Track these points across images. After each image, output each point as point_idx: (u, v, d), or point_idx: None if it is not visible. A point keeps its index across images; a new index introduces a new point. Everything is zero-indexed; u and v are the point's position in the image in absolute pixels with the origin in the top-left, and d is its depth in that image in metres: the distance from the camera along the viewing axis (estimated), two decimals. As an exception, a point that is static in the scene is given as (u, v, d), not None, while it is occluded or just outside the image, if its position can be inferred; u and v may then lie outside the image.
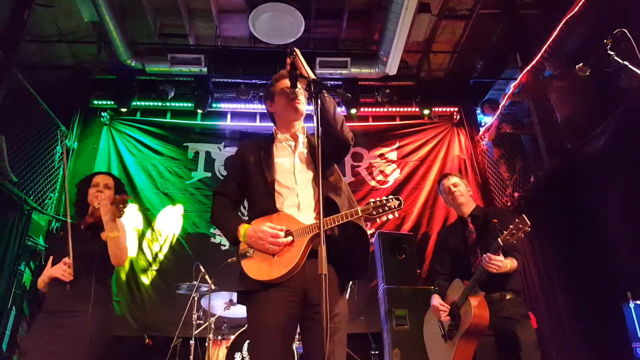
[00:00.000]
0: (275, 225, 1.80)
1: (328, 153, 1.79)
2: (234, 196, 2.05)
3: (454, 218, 3.12)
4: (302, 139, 2.06)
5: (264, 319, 1.73)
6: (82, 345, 2.28)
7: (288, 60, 1.88)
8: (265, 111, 2.24)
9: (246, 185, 2.01)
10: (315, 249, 1.73)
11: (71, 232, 2.47)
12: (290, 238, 1.78)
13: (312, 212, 1.87)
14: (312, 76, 1.84)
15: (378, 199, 1.79)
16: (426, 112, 6.18)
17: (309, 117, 2.05)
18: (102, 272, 2.53)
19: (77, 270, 2.42)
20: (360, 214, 1.75)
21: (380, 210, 1.76)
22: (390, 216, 1.77)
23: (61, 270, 2.41)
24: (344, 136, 1.93)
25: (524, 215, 2.39)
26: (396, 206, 1.75)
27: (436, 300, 2.83)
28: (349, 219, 1.75)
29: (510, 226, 2.41)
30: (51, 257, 2.55)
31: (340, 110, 6.26)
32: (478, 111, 6.61)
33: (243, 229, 1.85)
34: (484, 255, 2.51)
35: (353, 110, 6.00)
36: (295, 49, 1.89)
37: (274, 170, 1.94)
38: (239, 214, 2.12)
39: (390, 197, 1.78)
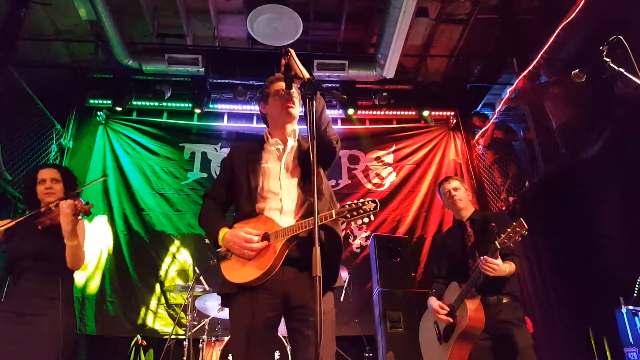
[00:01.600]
0: (251, 230, 1.80)
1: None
2: (222, 199, 2.05)
3: (449, 222, 3.13)
4: (291, 143, 2.05)
5: (241, 322, 1.75)
6: (55, 344, 2.25)
7: (283, 61, 1.88)
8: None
9: (234, 189, 2.01)
10: (292, 254, 1.76)
11: (25, 229, 2.42)
12: (265, 242, 1.78)
13: (293, 216, 1.87)
14: (307, 76, 1.83)
15: (354, 201, 1.74)
16: (425, 113, 6.20)
17: (300, 119, 2.06)
18: (67, 272, 2.47)
19: (42, 270, 2.38)
20: (334, 217, 1.71)
21: (355, 213, 1.72)
22: (367, 219, 1.73)
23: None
24: (328, 137, 1.90)
25: (521, 218, 2.38)
26: (372, 209, 1.70)
27: (435, 302, 2.83)
28: (323, 222, 1.71)
29: (508, 229, 2.41)
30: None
31: (338, 113, 6.27)
32: (475, 115, 6.63)
33: (222, 233, 1.87)
34: (481, 258, 2.50)
35: (350, 111, 6.00)
36: (290, 50, 1.88)
37: (259, 175, 1.94)
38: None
39: (368, 199, 1.73)
